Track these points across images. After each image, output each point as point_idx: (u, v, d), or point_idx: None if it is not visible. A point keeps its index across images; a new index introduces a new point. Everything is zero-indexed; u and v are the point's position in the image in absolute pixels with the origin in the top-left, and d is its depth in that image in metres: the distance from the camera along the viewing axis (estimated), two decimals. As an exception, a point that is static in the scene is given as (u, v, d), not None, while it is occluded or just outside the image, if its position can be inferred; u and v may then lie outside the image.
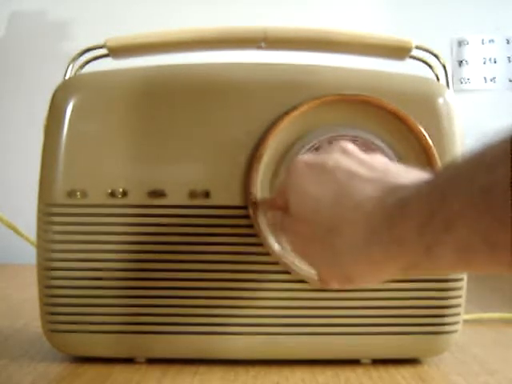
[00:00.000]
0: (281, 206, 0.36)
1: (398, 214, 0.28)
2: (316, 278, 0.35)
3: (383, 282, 0.32)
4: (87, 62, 0.48)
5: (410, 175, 0.30)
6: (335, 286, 0.33)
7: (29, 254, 0.55)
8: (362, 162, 0.33)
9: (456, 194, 0.24)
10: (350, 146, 0.35)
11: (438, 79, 0.48)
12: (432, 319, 0.45)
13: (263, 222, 0.43)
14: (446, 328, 0.45)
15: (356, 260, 0.30)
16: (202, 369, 0.45)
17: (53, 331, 0.45)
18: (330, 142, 0.44)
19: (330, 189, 0.32)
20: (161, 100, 0.44)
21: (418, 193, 0.27)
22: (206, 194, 0.44)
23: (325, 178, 0.33)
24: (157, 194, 0.44)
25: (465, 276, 0.45)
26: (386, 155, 0.44)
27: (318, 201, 0.32)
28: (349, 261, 0.31)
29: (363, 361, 0.46)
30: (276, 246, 0.44)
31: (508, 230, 0.22)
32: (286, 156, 0.44)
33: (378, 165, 0.33)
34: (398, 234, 0.27)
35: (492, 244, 0.23)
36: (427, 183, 0.28)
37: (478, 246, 0.24)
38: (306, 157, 0.36)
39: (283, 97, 0.43)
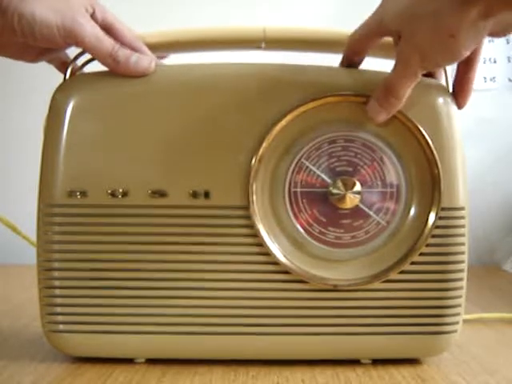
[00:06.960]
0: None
1: None
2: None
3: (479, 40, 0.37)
4: (87, 62, 0.48)
5: None
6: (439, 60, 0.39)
7: (29, 254, 0.55)
8: None
9: None
10: None
11: (437, 79, 0.48)
12: (432, 319, 0.45)
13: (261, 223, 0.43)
14: (446, 328, 0.45)
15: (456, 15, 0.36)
16: (202, 369, 0.45)
17: (53, 331, 0.45)
18: (330, 142, 0.44)
19: None
20: (160, 100, 0.44)
21: None
22: (207, 195, 0.44)
23: None
24: (158, 194, 0.44)
25: (465, 276, 0.45)
26: (386, 155, 0.44)
27: None
28: (451, 18, 0.36)
29: (363, 361, 0.46)
30: (275, 247, 0.44)
31: None
32: (285, 156, 0.44)
33: None
34: None
35: None
36: None
37: None
38: None
39: (283, 97, 0.43)
